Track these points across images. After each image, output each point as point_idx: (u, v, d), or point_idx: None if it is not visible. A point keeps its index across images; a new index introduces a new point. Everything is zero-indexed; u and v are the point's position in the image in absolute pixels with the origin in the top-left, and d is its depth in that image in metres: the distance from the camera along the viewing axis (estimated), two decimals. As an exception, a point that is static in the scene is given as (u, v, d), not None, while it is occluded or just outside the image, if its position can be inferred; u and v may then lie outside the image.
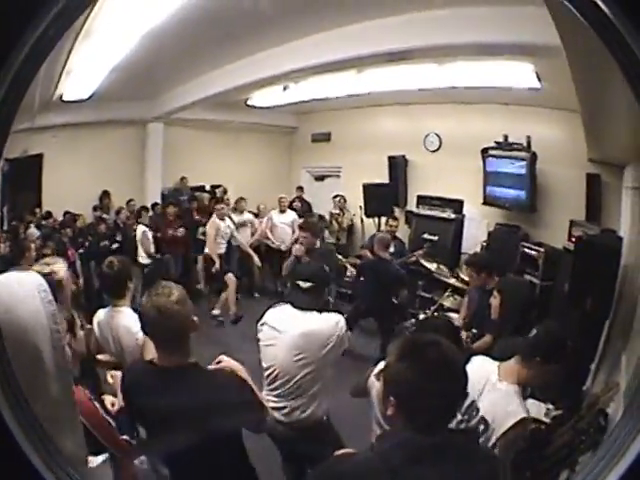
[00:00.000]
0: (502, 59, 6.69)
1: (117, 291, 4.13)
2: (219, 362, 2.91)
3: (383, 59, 6.88)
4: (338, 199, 11.58)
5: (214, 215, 9.48)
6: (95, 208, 11.00)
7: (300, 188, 12.61)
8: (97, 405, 2.81)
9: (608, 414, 3.95)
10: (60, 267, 3.60)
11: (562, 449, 3.98)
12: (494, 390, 3.06)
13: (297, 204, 11.77)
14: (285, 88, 9.96)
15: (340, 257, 9.36)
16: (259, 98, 11.02)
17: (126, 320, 3.93)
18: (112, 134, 10.94)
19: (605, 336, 5.81)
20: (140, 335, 3.55)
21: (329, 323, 3.83)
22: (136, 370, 2.96)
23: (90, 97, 9.08)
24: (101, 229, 10.18)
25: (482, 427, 2.98)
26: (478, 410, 3.02)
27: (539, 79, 6.96)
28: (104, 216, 10.79)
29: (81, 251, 9.36)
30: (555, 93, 7.01)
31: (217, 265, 9.19)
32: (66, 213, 10.50)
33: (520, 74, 7.06)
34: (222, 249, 9.48)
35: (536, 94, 7.47)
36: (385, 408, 1.98)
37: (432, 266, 9.08)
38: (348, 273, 9.04)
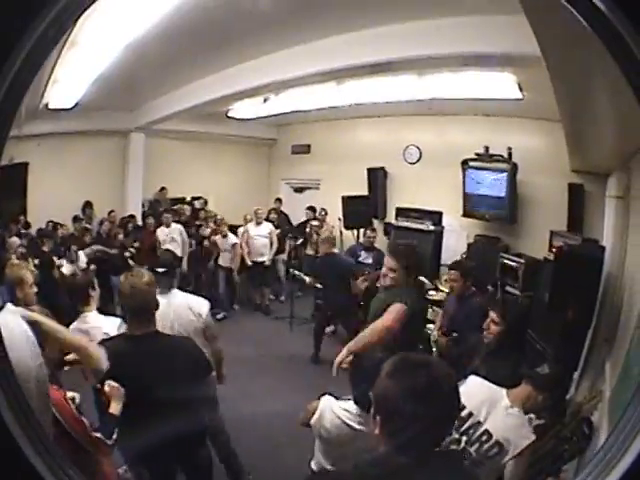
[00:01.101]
0: (484, 70, 6.70)
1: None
2: None
3: (363, 71, 6.91)
4: (319, 211, 11.55)
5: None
6: (75, 219, 10.92)
7: (278, 200, 12.59)
8: (71, 404, 3.02)
9: (592, 422, 3.94)
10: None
11: (546, 457, 3.97)
12: (507, 415, 3.22)
13: (273, 216, 11.78)
14: (265, 100, 9.99)
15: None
16: (240, 110, 11.05)
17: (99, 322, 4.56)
18: (95, 144, 10.96)
19: (588, 345, 5.82)
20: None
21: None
22: (112, 342, 3.56)
23: (74, 107, 9.06)
24: (85, 240, 10.09)
25: (495, 450, 3.11)
26: (490, 435, 3.12)
27: (521, 89, 6.99)
28: (88, 226, 10.74)
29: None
30: (537, 103, 7.02)
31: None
32: (49, 222, 10.45)
33: (502, 85, 7.09)
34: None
35: (518, 105, 7.52)
36: (373, 426, 1.91)
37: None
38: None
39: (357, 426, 3.39)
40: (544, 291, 6.40)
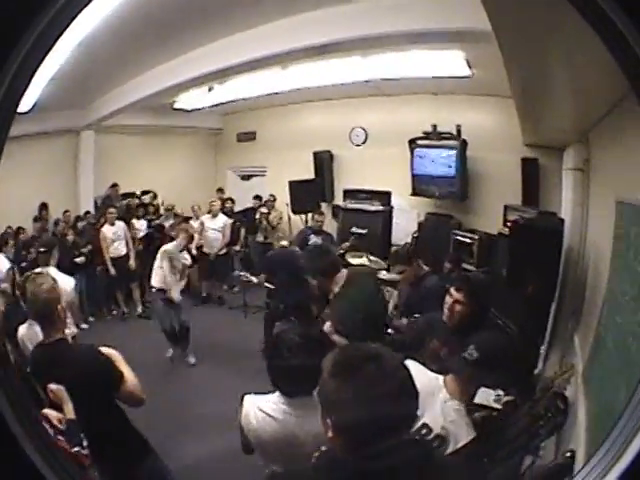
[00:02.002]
0: (431, 48, 6.65)
1: None
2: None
3: (307, 54, 6.83)
4: (267, 198, 11.45)
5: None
6: (36, 219, 10.75)
7: (220, 190, 12.34)
8: (45, 425, 2.74)
9: (567, 397, 3.95)
10: None
11: (520, 435, 3.95)
12: (446, 408, 3.07)
13: (230, 205, 11.65)
14: (210, 89, 9.90)
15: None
16: (185, 101, 10.91)
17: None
18: (48, 145, 10.67)
19: (553, 318, 5.86)
20: None
21: None
22: (33, 351, 3.57)
23: (31, 109, 8.84)
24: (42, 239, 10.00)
25: (436, 443, 2.96)
26: (431, 429, 2.97)
27: (470, 66, 6.95)
28: (46, 228, 10.69)
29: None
30: (486, 80, 7.03)
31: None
32: (8, 228, 10.12)
33: (450, 62, 7.04)
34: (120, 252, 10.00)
35: (466, 82, 7.50)
36: (325, 430, 1.77)
37: (358, 261, 8.96)
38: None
39: (281, 416, 3.15)
40: (501, 266, 6.43)
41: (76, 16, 1.32)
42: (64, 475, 1.36)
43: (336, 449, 1.77)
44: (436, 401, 3.05)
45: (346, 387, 1.68)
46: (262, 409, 3.07)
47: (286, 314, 7.64)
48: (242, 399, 3.21)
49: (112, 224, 10.05)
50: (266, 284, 8.55)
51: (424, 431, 2.95)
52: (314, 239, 8.95)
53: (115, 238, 9.95)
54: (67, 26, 1.30)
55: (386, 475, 1.65)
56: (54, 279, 3.65)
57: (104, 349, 3.51)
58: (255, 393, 3.21)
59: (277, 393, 3.07)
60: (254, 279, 8.80)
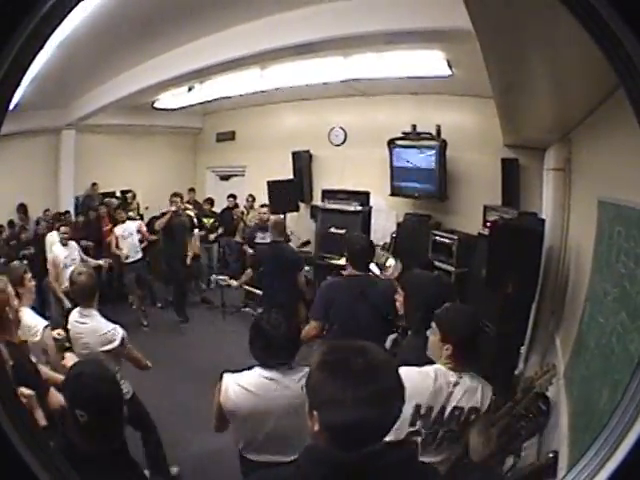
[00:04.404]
0: (411, 48, 6.64)
1: None
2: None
3: (287, 53, 6.83)
4: (247, 198, 11.44)
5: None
6: (11, 223, 10.71)
7: (192, 190, 12.22)
8: None
9: (548, 397, 3.95)
10: None
11: (501, 436, 3.94)
12: (455, 388, 3.08)
13: (208, 206, 11.74)
14: (190, 89, 9.87)
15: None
16: (165, 100, 10.92)
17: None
18: (27, 144, 10.61)
19: (534, 319, 5.88)
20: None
21: None
22: None
23: (13, 109, 8.74)
24: (22, 237, 10.31)
25: (473, 415, 3.07)
26: (462, 408, 3.05)
27: (450, 66, 6.93)
28: (26, 226, 10.78)
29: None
30: (467, 80, 7.01)
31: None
32: None
33: (429, 62, 6.99)
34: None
35: (447, 82, 7.46)
36: (311, 424, 1.73)
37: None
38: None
39: (259, 390, 3.33)
40: (481, 267, 6.43)
41: (68, 14, 1.29)
42: (56, 472, 1.35)
43: (320, 443, 1.73)
44: (444, 388, 3.05)
45: (333, 380, 1.66)
46: (240, 384, 3.35)
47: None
48: (221, 377, 3.47)
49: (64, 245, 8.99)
50: (246, 287, 8.55)
51: (457, 412, 3.04)
52: (260, 236, 9.11)
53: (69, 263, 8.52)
54: (57, 27, 1.28)
55: (370, 472, 1.63)
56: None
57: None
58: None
59: (255, 369, 3.41)
60: (233, 282, 8.73)
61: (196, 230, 10.59)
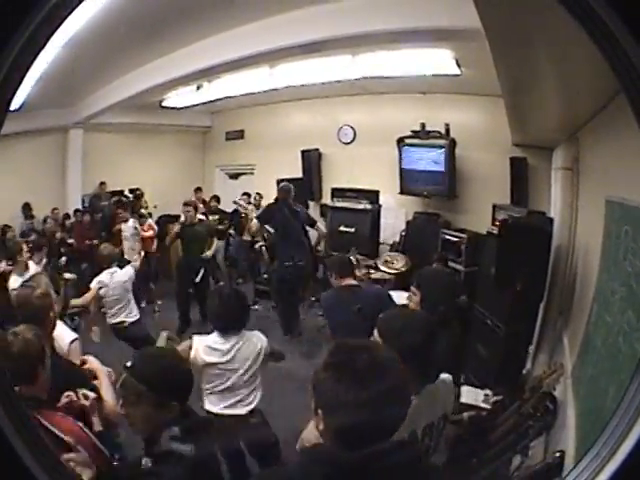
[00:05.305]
0: (420, 46, 6.64)
1: None
2: (83, 362, 3.39)
3: (295, 52, 6.84)
4: (254, 196, 11.39)
5: None
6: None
7: (199, 189, 12.14)
8: (88, 432, 2.70)
9: (556, 397, 3.94)
10: None
11: (509, 435, 3.94)
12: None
13: (214, 204, 11.62)
14: (199, 87, 9.85)
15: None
16: (173, 99, 10.90)
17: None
18: (36, 143, 10.71)
19: (542, 318, 5.86)
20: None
21: None
22: None
23: (20, 108, 8.78)
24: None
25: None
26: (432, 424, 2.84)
27: (459, 65, 6.93)
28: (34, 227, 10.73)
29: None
30: (476, 79, 7.02)
31: None
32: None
33: (438, 61, 7.02)
34: None
35: (456, 81, 7.47)
36: (316, 422, 1.75)
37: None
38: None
39: (222, 347, 4.14)
40: (490, 265, 6.41)
41: (68, 15, 1.29)
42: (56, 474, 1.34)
43: (324, 442, 1.75)
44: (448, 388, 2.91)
45: (339, 378, 1.66)
46: (208, 345, 4.15)
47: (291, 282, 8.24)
48: (191, 338, 4.25)
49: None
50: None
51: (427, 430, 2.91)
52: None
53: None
54: (58, 27, 1.28)
55: (374, 472, 1.62)
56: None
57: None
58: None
59: (215, 333, 4.20)
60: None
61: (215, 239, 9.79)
